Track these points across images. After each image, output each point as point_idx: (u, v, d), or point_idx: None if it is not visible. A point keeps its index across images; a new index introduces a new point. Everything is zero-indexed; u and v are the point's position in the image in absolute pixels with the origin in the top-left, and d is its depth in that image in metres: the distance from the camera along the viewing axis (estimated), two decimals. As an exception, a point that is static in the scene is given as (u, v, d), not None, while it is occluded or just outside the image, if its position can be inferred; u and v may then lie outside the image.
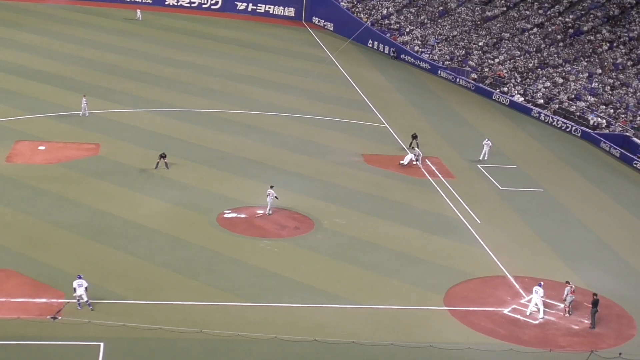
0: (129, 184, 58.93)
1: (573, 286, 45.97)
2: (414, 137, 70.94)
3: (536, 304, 45.18)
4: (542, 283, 45.68)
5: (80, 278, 41.73)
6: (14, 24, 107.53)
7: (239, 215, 55.24)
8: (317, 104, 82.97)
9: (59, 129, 69.33)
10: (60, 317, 40.20)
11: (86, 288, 41.82)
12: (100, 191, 57.35)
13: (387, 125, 77.73)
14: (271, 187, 55.55)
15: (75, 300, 41.95)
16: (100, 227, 51.80)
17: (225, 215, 55.03)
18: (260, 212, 55.43)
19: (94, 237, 50.27)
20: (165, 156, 61.99)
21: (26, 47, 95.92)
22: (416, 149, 68.44)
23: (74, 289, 41.61)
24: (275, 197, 54.86)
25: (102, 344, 38.76)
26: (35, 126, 69.53)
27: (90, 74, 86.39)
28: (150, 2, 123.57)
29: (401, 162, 66.67)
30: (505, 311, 45.73)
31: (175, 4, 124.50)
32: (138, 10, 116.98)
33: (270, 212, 55.16)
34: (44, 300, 42.49)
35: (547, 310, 45.39)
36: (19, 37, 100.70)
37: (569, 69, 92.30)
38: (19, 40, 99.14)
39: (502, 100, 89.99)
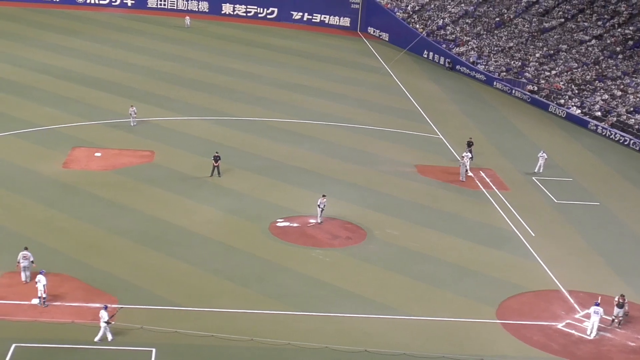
0: (183, 191, 59.54)
1: (625, 301, 45.26)
2: (470, 144, 70.50)
3: (593, 323, 44.32)
4: (599, 302, 44.76)
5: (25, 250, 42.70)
6: (73, 32, 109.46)
7: (291, 224, 55.47)
8: (371, 113, 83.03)
9: (115, 136, 70.34)
10: (113, 322, 40.67)
11: (44, 285, 42.41)
12: (154, 198, 58.04)
13: (441, 136, 77.49)
14: (323, 196, 55.74)
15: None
16: (153, 233, 52.42)
17: (277, 224, 55.30)
18: (312, 221, 55.60)
19: (148, 244, 50.88)
20: (219, 158, 62.47)
21: (84, 55, 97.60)
22: (465, 155, 67.37)
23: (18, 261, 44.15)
24: (320, 206, 54.91)
25: (154, 350, 39.19)
26: (91, 133, 70.63)
27: (145, 82, 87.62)
28: (207, 11, 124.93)
29: (461, 179, 66.05)
30: (559, 326, 45.24)
31: (232, 12, 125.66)
32: (187, 18, 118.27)
33: (321, 220, 55.29)
34: (97, 305, 43.09)
35: (601, 325, 44.80)
36: (77, 44, 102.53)
37: (628, 81, 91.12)
38: (77, 48, 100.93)
39: (559, 113, 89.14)
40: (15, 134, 69.53)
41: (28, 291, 43.46)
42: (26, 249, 45.59)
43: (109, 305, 40.24)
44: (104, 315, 39.96)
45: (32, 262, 45.25)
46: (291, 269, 49.01)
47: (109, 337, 39.86)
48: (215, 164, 62.50)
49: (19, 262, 45.19)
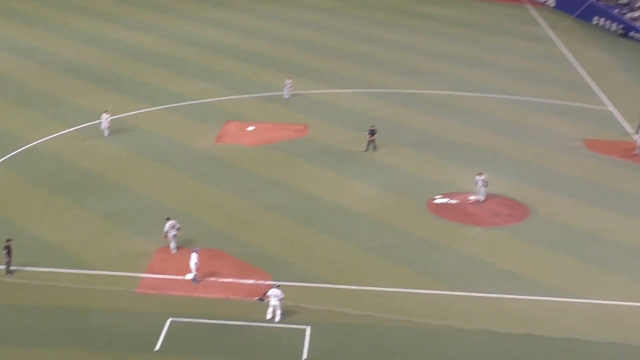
0: (337, 166, 60.19)
1: None
2: (646, 117, 68.21)
3: None
4: None
5: (277, 287, 40.95)
6: (223, 3, 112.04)
7: (449, 201, 55.27)
8: (534, 85, 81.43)
9: (268, 110, 71.74)
10: (267, 299, 41.69)
11: (195, 263, 43.83)
12: (307, 173, 58.95)
13: (611, 109, 75.23)
14: (480, 173, 55.06)
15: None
16: (306, 209, 53.30)
17: (435, 201, 55.21)
18: (472, 198, 55.21)
19: (301, 220, 51.80)
20: (375, 132, 62.73)
21: (235, 27, 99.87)
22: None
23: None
24: (478, 184, 54.34)
25: (308, 328, 39.99)
26: (244, 106, 72.30)
27: (297, 54, 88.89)
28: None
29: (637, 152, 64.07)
30: None
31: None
32: None
33: (482, 198, 54.79)
34: (251, 281, 44.30)
35: None
36: (227, 16, 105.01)
37: None
38: (228, 20, 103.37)
39: None
40: (168, 107, 71.96)
41: (183, 266, 45.08)
42: (169, 219, 47.50)
43: (280, 284, 41.18)
44: (277, 293, 40.50)
45: (179, 229, 47.20)
46: (450, 248, 48.90)
47: (277, 317, 40.55)
48: (370, 138, 62.78)
49: (166, 233, 47.07)
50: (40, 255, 46.41)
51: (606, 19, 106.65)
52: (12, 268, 44.08)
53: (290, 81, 74.93)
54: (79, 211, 52.18)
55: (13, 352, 37.33)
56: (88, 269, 45.10)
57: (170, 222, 47.10)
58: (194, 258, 43.59)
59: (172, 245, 47.10)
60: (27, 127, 66.55)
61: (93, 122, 65.81)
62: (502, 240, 50.22)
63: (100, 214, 51.80)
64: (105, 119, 64.42)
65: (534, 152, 63.95)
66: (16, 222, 50.45)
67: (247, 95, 75.10)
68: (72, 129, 66.45)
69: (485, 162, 61.01)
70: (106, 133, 64.46)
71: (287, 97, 74.44)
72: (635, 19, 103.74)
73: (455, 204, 54.90)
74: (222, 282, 44.30)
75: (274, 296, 40.32)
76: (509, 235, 50.77)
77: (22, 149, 61.96)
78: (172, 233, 47.02)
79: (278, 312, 40.52)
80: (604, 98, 78.18)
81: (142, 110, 71.21)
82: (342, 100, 74.51)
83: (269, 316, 40.56)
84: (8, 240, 44.12)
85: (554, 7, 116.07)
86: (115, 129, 65.46)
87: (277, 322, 40.19)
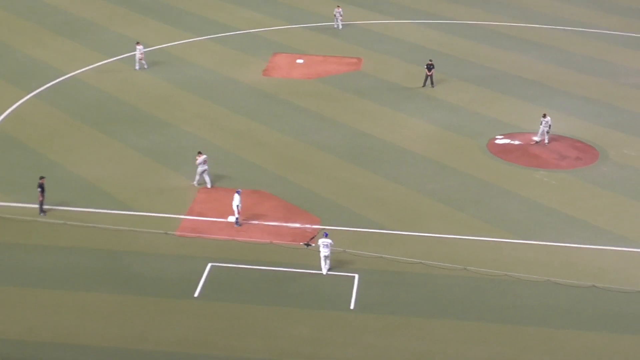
0: (392, 102, 59.66)
1: None
2: None
3: None
4: None
5: (326, 236, 40.06)
6: None
7: (512, 142, 54.56)
8: (612, 16, 79.74)
9: (319, 41, 71.16)
10: (314, 245, 41.60)
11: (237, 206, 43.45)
12: (360, 110, 58.51)
13: (694, 42, 73.61)
14: (544, 115, 54.08)
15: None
16: (359, 149, 52.96)
17: (497, 141, 54.54)
18: (536, 139, 54.43)
19: (353, 160, 51.50)
20: (433, 67, 61.97)
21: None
22: None
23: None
24: (543, 125, 53.41)
25: (356, 276, 39.84)
26: (294, 37, 71.79)
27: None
28: None
29: None
30: None
31: None
32: None
33: (547, 141, 53.98)
34: (297, 225, 44.20)
35: None
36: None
37: None
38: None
39: None
40: (212, 38, 71.75)
41: (225, 208, 45.10)
42: (200, 153, 47.68)
43: (328, 233, 40.56)
44: (327, 242, 39.71)
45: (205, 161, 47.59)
46: (512, 192, 48.32)
47: (324, 270, 40.07)
48: (428, 73, 62.05)
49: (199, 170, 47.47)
50: (76, 194, 46.72)
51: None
52: (45, 207, 44.47)
53: (339, 9, 74.12)
54: (118, 148, 52.41)
55: (46, 295, 37.72)
56: (126, 210, 45.31)
57: (202, 157, 47.32)
58: (236, 199, 43.53)
59: (207, 180, 47.49)
60: (65, 57, 66.87)
61: (134, 53, 65.77)
62: (569, 184, 49.50)
63: (140, 151, 51.98)
64: (138, 51, 64.34)
65: (606, 90, 62.80)
66: (51, 158, 50.82)
67: (296, 25, 74.57)
68: (112, 59, 66.67)
69: (553, 100, 60.07)
70: (138, 66, 64.41)
71: (338, 27, 73.70)
72: None
73: (519, 145, 54.18)
74: (267, 225, 44.26)
75: (324, 245, 39.75)
76: (577, 179, 50.02)
77: (59, 80, 62.33)
78: (202, 168, 47.28)
79: (327, 264, 39.96)
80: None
81: (186, 41, 71.10)
82: (398, 32, 73.66)
83: (324, 271, 40.00)
84: (41, 178, 44.42)
85: None
86: (158, 60, 65.46)
87: (327, 273, 40.03)
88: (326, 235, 39.91)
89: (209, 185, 47.60)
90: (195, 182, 47.77)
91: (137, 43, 64.73)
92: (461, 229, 44.37)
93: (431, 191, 48.12)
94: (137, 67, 64.30)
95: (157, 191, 47.38)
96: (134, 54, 64.95)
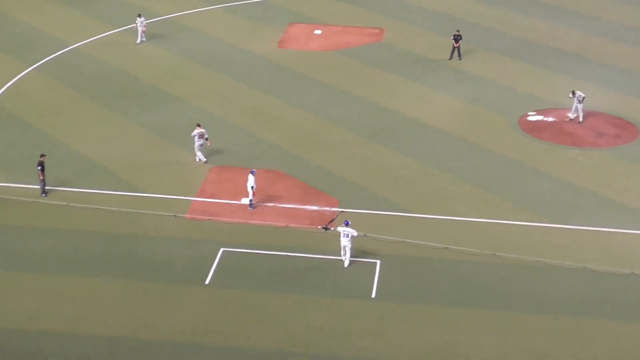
0: (416, 76, 59.52)
1: None
2: None
3: None
4: None
5: (347, 225, 39.27)
6: None
7: (545, 118, 54.39)
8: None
9: (338, 10, 70.99)
10: (332, 228, 41.60)
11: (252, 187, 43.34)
12: (382, 84, 58.40)
13: None
14: (573, 92, 53.67)
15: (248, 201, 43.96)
16: (380, 125, 52.89)
17: (528, 118, 54.38)
18: (570, 115, 54.23)
19: (373, 137, 51.46)
20: (461, 37, 61.73)
21: None
22: None
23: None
24: (577, 102, 53.05)
25: (378, 262, 39.83)
26: (311, 6, 71.65)
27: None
28: None
29: None
30: None
31: None
32: None
33: (581, 119, 53.74)
34: (315, 207, 44.21)
35: None
36: None
37: None
38: None
39: None
40: (225, 7, 71.68)
41: (238, 189, 45.19)
42: (199, 125, 47.87)
43: (349, 221, 39.94)
44: (348, 231, 39.04)
45: (207, 139, 47.76)
46: (544, 172, 48.19)
47: (346, 262, 39.65)
48: (455, 45, 61.86)
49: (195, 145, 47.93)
50: (79, 174, 46.90)
51: None
52: (47, 188, 44.63)
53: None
54: (123, 124, 52.54)
55: (47, 281, 37.94)
56: (132, 191, 45.47)
57: (198, 131, 47.63)
58: (250, 180, 43.54)
59: (201, 156, 47.88)
60: (67, 27, 67.01)
61: (134, 25, 65.72)
62: (607, 164, 49.32)
63: (147, 128, 52.11)
64: (140, 23, 64.20)
65: (648, 62, 62.63)
66: (53, 135, 51.02)
67: (315, -7, 74.45)
68: (118, 30, 66.75)
69: (590, 72, 59.83)
70: (139, 39, 64.32)
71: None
72: None
73: (552, 121, 54.02)
74: (282, 207, 44.31)
75: (344, 235, 39.16)
76: (615, 159, 49.83)
77: (61, 52, 62.49)
78: (198, 142, 47.53)
79: (348, 255, 39.52)
80: None
81: (196, 10, 71.11)
82: (423, 0, 73.34)
83: (347, 263, 39.58)
84: (42, 156, 44.58)
85: None
86: (166, 31, 65.49)
87: (347, 267, 39.77)
88: (347, 224, 39.28)
89: (202, 159, 48.00)
90: (197, 158, 47.90)
91: (139, 15, 64.50)
92: (490, 211, 44.30)
93: (457, 171, 48.03)
94: (138, 41, 64.14)
95: (165, 171, 47.47)
96: (135, 26, 64.75)
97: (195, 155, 48.00)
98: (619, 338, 35.23)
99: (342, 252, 39.60)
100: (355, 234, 39.19)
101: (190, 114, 53.42)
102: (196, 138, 47.69)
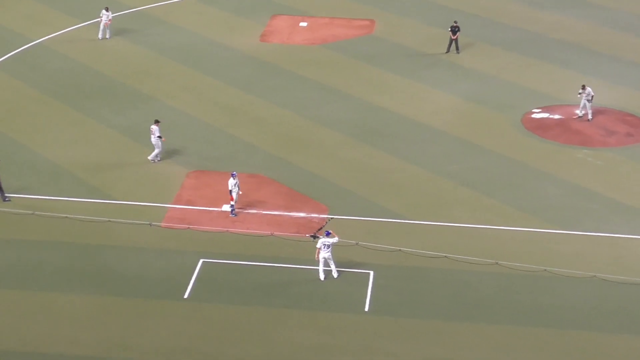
0: (410, 71, 59.67)
1: None
2: None
3: None
4: None
5: (327, 236, 39.49)
6: None
7: (551, 116, 54.62)
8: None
9: (325, 0, 71.09)
10: (320, 237, 41.58)
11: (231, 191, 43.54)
12: (373, 80, 58.55)
13: None
14: (583, 86, 53.90)
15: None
16: (372, 125, 53.02)
17: (533, 115, 54.61)
18: (578, 112, 54.45)
19: (364, 138, 51.58)
20: (458, 30, 61.89)
21: None
22: None
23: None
24: (585, 99, 53.27)
25: (371, 273, 39.85)
26: (295, -4, 71.85)
27: None
28: None
29: None
30: None
31: None
32: None
33: (589, 117, 53.94)
34: (302, 214, 44.28)
35: None
36: None
37: None
38: None
39: None
40: (202, -2, 71.83)
41: (218, 195, 45.23)
42: (157, 121, 48.42)
43: (331, 232, 39.81)
44: (329, 241, 39.02)
45: (160, 137, 48.12)
46: (550, 174, 48.38)
47: (334, 272, 39.50)
48: (452, 37, 62.07)
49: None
50: (45, 180, 46.93)
51: None
52: (8, 195, 44.48)
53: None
54: (92, 126, 52.58)
55: (11, 296, 37.85)
56: (102, 198, 45.52)
57: (153, 127, 48.35)
58: (230, 183, 43.62)
59: (153, 154, 48.53)
60: (30, 21, 66.98)
61: (99, 20, 65.70)
62: (618, 165, 49.56)
63: (118, 129, 52.17)
64: (105, 17, 63.99)
65: (661, 55, 62.93)
66: (15, 138, 51.04)
67: (299, -18, 74.57)
68: (85, 24, 66.74)
69: (597, 65, 60.15)
70: (101, 35, 64.18)
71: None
72: None
73: (558, 119, 54.27)
74: (267, 214, 44.38)
75: (325, 246, 39.02)
76: (627, 159, 50.09)
77: (23, 48, 62.41)
78: (152, 139, 48.20)
79: (333, 266, 39.43)
80: None
81: (170, 1, 71.08)
82: (418, -11, 73.73)
83: (322, 276, 39.39)
84: (-5, 160, 44.74)
85: None
86: (137, 25, 65.49)
87: (337, 278, 39.68)
88: (328, 234, 39.31)
89: (149, 157, 48.52)
90: (151, 158, 48.58)
91: (106, 8, 64.19)
92: (491, 217, 44.47)
93: (456, 174, 48.20)
94: (100, 36, 64.02)
95: (138, 176, 47.52)
96: (99, 21, 64.64)
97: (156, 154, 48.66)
98: (634, 353, 35.36)
99: (321, 266, 39.30)
100: (336, 240, 39.15)
101: (164, 114, 53.30)
102: (152, 135, 48.34)
